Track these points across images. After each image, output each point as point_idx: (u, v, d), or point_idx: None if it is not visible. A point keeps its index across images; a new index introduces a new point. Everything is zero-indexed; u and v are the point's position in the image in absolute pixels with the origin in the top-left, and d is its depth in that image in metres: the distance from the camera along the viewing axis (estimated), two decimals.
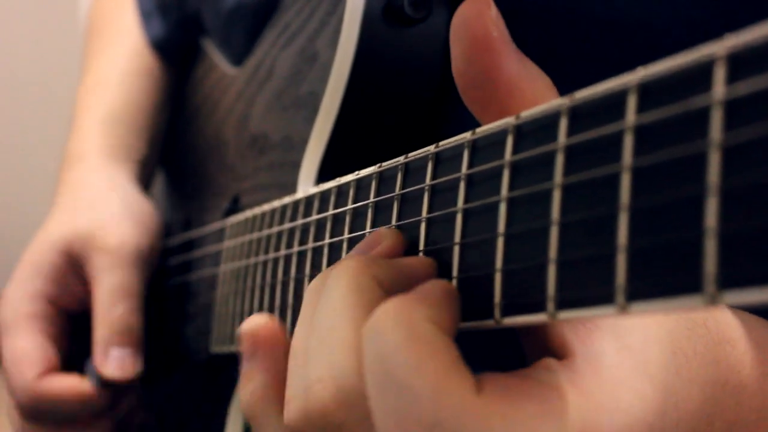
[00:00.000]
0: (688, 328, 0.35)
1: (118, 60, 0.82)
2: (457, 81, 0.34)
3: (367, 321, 0.31)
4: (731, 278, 0.21)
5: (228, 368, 0.60)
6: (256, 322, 0.41)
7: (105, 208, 0.72)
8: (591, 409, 0.30)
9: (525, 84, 0.33)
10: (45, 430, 0.69)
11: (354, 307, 0.32)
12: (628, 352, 0.31)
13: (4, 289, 0.71)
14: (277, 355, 0.40)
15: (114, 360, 0.66)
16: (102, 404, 0.68)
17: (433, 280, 0.32)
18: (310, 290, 0.37)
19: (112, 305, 0.67)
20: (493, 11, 0.33)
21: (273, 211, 0.52)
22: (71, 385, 0.67)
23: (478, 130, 0.33)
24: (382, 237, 0.37)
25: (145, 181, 0.81)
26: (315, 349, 0.33)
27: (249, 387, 0.40)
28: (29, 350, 0.68)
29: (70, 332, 0.72)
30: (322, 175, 0.52)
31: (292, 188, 0.53)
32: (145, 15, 0.84)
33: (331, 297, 0.34)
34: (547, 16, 0.48)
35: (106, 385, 0.66)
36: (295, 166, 0.53)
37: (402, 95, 0.51)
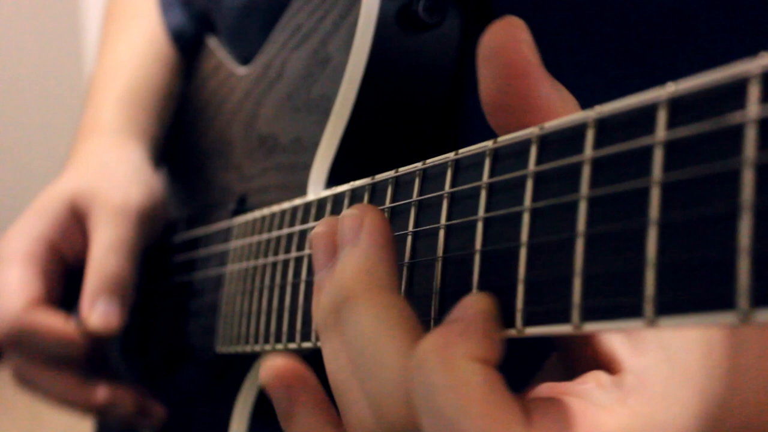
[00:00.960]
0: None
1: (136, 44, 0.84)
2: (485, 102, 0.34)
3: (412, 358, 0.31)
4: (765, 295, 0.22)
5: (233, 368, 0.60)
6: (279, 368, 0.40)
7: (115, 171, 0.74)
8: (642, 428, 0.30)
9: (558, 109, 0.32)
10: (23, 363, 0.71)
11: (387, 333, 0.33)
12: (673, 363, 0.32)
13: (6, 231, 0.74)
14: (311, 390, 0.40)
15: (99, 311, 0.67)
16: (80, 350, 0.70)
17: (469, 302, 0.32)
18: (324, 329, 0.36)
19: (105, 257, 0.69)
20: (527, 35, 0.32)
21: (283, 213, 0.52)
22: (55, 321, 0.69)
23: (500, 139, 0.33)
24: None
25: (155, 162, 0.82)
26: (369, 382, 0.33)
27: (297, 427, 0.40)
28: (19, 280, 0.70)
29: (64, 284, 0.73)
30: (333, 178, 0.52)
31: (300, 190, 0.53)
32: (166, 5, 0.85)
33: (360, 327, 0.33)
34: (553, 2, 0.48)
35: (88, 334, 0.68)
36: (304, 168, 0.53)
37: (414, 100, 0.51)
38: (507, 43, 0.32)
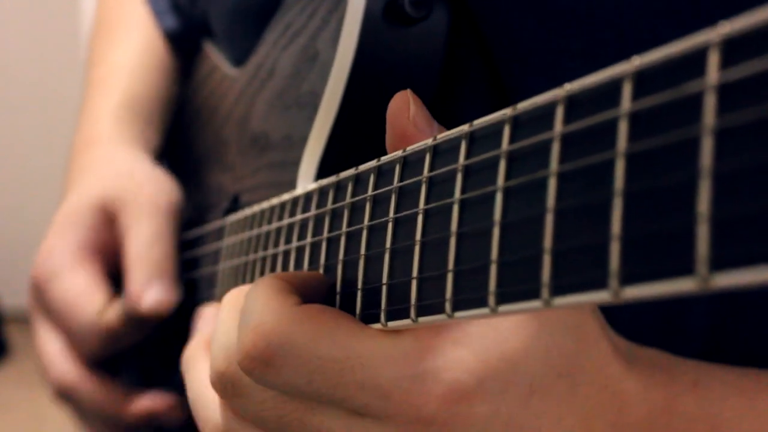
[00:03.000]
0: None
1: (131, 52, 0.84)
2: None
3: None
4: (723, 260, 0.22)
5: None
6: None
7: (134, 172, 0.74)
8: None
9: None
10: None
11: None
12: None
13: (41, 245, 0.73)
14: None
15: (153, 293, 0.67)
16: (120, 342, 0.70)
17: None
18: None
19: (149, 246, 0.69)
20: (413, 109, 0.40)
21: (272, 208, 0.53)
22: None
23: (476, 122, 0.34)
24: None
25: None
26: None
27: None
28: (88, 286, 0.69)
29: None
30: (321, 173, 0.52)
31: (291, 187, 0.53)
32: (158, 12, 0.85)
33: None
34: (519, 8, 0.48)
35: (139, 317, 0.67)
36: (295, 165, 0.53)
37: None
38: (394, 114, 0.40)
